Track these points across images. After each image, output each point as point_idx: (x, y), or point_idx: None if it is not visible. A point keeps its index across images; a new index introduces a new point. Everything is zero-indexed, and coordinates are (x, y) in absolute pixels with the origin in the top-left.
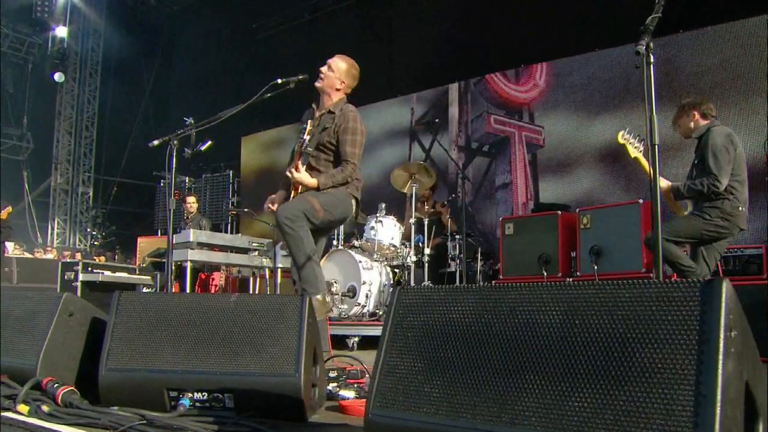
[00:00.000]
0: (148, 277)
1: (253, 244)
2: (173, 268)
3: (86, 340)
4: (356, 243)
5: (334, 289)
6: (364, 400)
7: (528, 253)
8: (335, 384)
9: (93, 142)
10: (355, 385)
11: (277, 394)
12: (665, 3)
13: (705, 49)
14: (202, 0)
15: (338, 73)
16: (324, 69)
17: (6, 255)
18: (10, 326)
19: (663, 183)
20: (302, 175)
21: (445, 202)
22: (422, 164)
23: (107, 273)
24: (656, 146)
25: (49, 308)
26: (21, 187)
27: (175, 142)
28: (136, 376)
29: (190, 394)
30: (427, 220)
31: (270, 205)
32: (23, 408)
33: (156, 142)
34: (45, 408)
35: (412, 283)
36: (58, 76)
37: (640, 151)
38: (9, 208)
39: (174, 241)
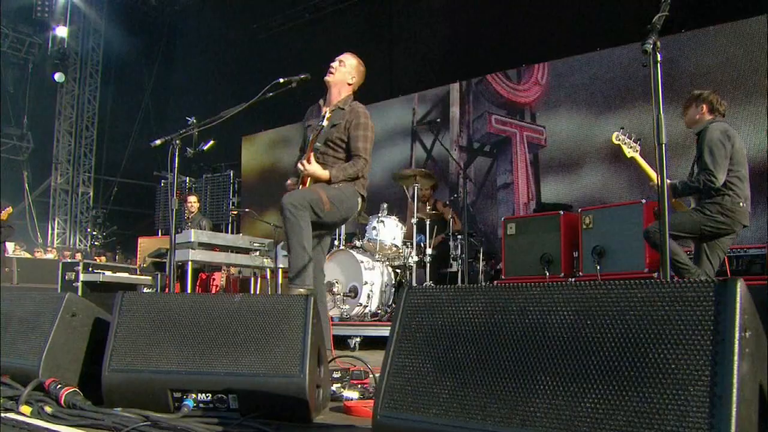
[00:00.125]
0: (149, 278)
1: (255, 245)
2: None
3: (89, 340)
4: (358, 243)
5: (335, 290)
6: (369, 400)
7: (530, 253)
8: (339, 385)
9: (93, 142)
10: (359, 386)
11: (282, 395)
12: (670, 2)
13: (707, 49)
14: (202, 0)
15: (349, 68)
16: (335, 64)
17: (6, 255)
18: (13, 327)
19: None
20: (314, 167)
21: (447, 202)
22: (422, 170)
23: (108, 273)
24: (663, 145)
25: (51, 308)
26: (21, 187)
27: (178, 141)
28: (139, 376)
29: (193, 395)
30: (428, 220)
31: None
32: (26, 409)
33: (158, 142)
34: (48, 409)
35: (414, 284)
36: (58, 76)
37: (637, 151)
38: (9, 209)
39: (175, 241)
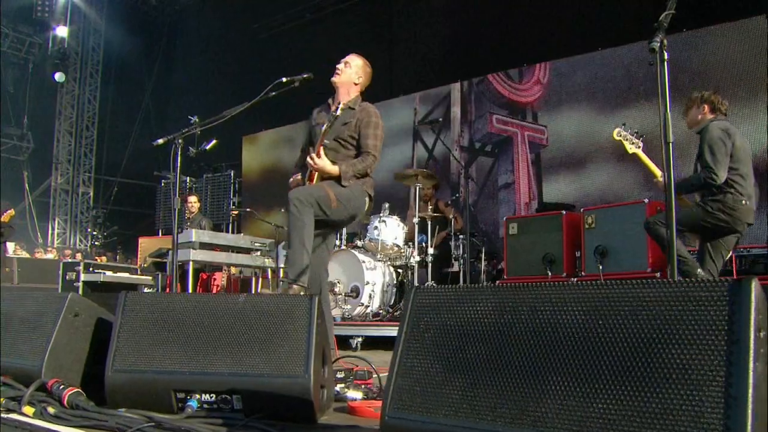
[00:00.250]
0: (150, 278)
1: (256, 244)
2: (172, 268)
3: (91, 340)
4: (359, 243)
5: (337, 289)
6: (374, 401)
7: (532, 253)
8: (342, 385)
9: (93, 142)
10: (363, 386)
11: (287, 396)
12: (678, 3)
13: (708, 49)
14: (203, 0)
15: (355, 68)
16: (341, 66)
17: (6, 255)
18: (15, 327)
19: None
20: (324, 162)
21: (449, 202)
22: (423, 171)
23: (108, 273)
24: (671, 144)
25: (54, 308)
26: (21, 187)
27: (180, 140)
28: (142, 377)
29: (197, 396)
30: (430, 219)
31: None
32: (29, 410)
33: (161, 141)
34: (51, 410)
35: (416, 283)
36: (58, 76)
37: (639, 147)
38: (11, 211)
39: (178, 241)
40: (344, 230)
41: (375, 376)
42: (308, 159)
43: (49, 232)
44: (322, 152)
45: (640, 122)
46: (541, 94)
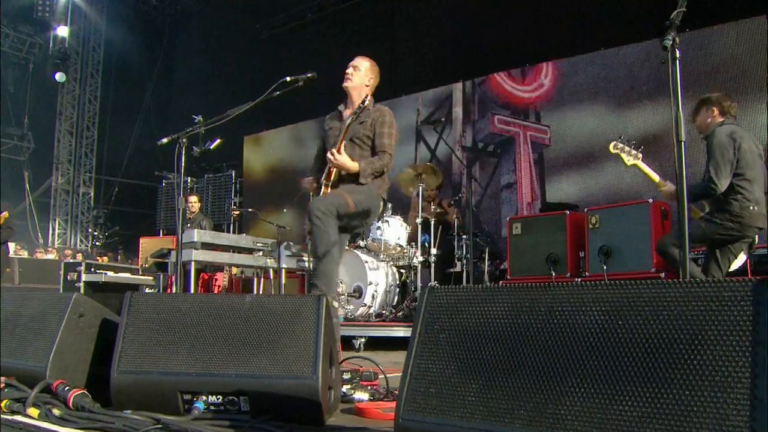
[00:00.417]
0: (151, 278)
1: (258, 245)
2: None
3: (96, 341)
4: (362, 243)
5: (340, 290)
6: (381, 402)
7: (536, 253)
8: (348, 386)
9: (94, 142)
10: (369, 387)
11: (294, 397)
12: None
13: (710, 49)
14: (204, 0)
15: (364, 71)
16: (350, 71)
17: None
18: (18, 327)
19: (668, 186)
20: (344, 158)
21: (452, 202)
22: (429, 165)
23: (110, 273)
24: (683, 143)
25: (58, 309)
26: (22, 187)
27: (184, 140)
28: (148, 378)
29: (204, 397)
30: (433, 220)
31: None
32: (33, 411)
33: (165, 140)
34: (56, 411)
35: (419, 284)
36: (59, 76)
37: (638, 158)
38: (5, 213)
39: (182, 241)
40: None
41: (384, 377)
42: (328, 155)
43: (50, 232)
44: (342, 149)
45: (642, 122)
46: (544, 94)
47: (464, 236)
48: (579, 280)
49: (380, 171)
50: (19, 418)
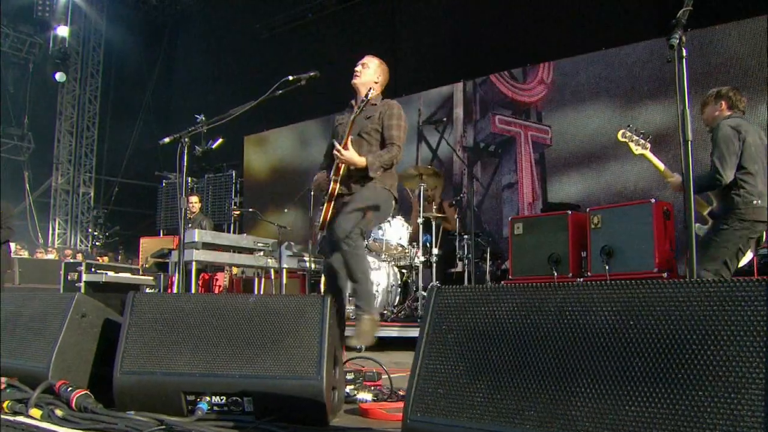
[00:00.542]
0: (152, 278)
1: (259, 245)
2: (178, 268)
3: (99, 341)
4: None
5: None
6: (385, 402)
7: (538, 253)
8: (352, 386)
9: (94, 142)
10: (372, 388)
11: (299, 398)
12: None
13: (711, 48)
14: (204, 0)
15: (373, 68)
16: (358, 68)
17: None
18: (20, 328)
19: (675, 178)
20: (351, 153)
21: (453, 202)
22: (430, 168)
23: (110, 274)
24: (690, 142)
25: (60, 309)
26: (22, 187)
27: (187, 139)
28: (152, 379)
29: (207, 398)
30: (434, 220)
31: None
32: (36, 412)
33: (167, 140)
34: (59, 412)
35: (421, 284)
36: (59, 76)
37: (646, 148)
38: None
39: (184, 240)
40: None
41: (388, 377)
42: (335, 151)
43: (50, 232)
44: (349, 143)
45: (643, 122)
46: (545, 94)
47: (465, 236)
48: (581, 280)
49: (389, 163)
50: (21, 419)
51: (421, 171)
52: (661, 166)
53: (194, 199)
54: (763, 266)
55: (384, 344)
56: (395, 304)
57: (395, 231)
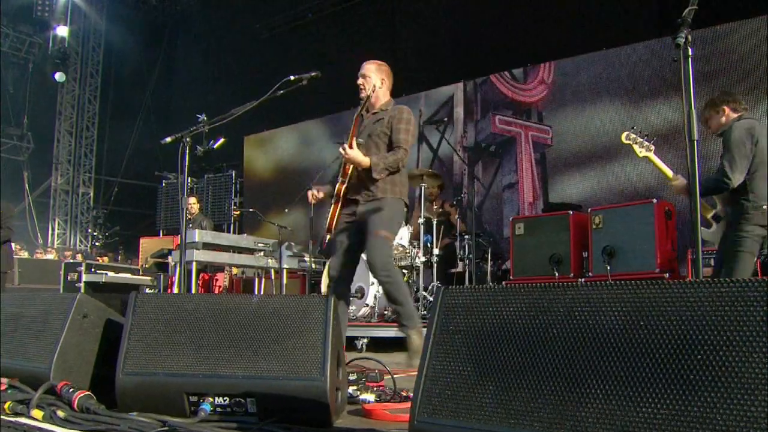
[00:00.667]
0: (152, 278)
1: (259, 245)
2: (177, 269)
3: (100, 342)
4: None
5: None
6: (388, 404)
7: (539, 254)
8: (355, 387)
9: (94, 142)
10: (375, 388)
11: (302, 399)
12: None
13: (712, 48)
14: (204, 0)
15: (373, 76)
16: (360, 80)
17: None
18: (22, 328)
19: (680, 180)
20: (355, 152)
21: (454, 202)
22: (430, 171)
23: (110, 274)
24: (696, 141)
25: (62, 309)
26: (21, 187)
27: (188, 139)
28: (154, 379)
29: (210, 399)
30: (435, 220)
31: (315, 193)
32: (37, 413)
33: (168, 139)
34: (60, 413)
35: (422, 284)
36: (58, 76)
37: (651, 150)
38: None
39: (186, 240)
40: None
41: (388, 377)
42: (340, 149)
43: (49, 232)
44: (354, 143)
45: (644, 122)
46: (546, 94)
47: (467, 236)
48: (582, 280)
49: (394, 165)
50: (22, 420)
51: (421, 172)
52: (665, 168)
53: (192, 200)
54: (765, 266)
55: (384, 345)
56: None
57: None
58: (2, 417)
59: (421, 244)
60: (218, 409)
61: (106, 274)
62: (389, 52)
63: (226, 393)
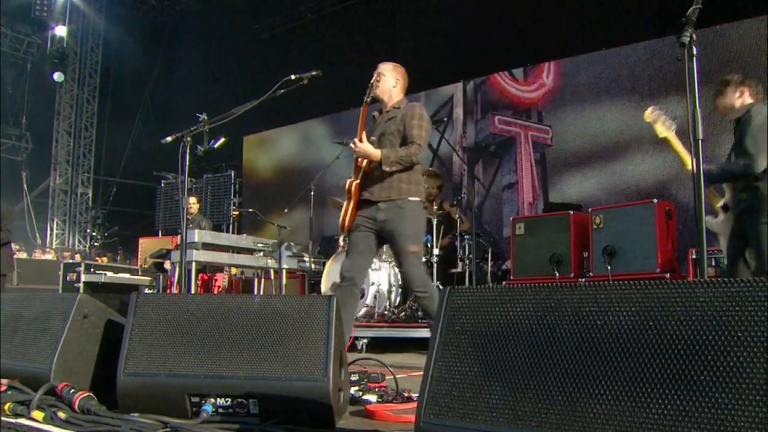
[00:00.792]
0: (151, 278)
1: (258, 245)
2: (176, 269)
3: (101, 342)
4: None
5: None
6: (391, 404)
7: (539, 254)
8: (356, 388)
9: (92, 142)
10: (377, 389)
11: (305, 400)
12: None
13: (712, 49)
14: (203, 0)
15: (388, 75)
16: (375, 78)
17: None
18: (22, 329)
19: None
20: (365, 145)
21: (454, 202)
22: (431, 169)
23: (109, 274)
24: (701, 141)
25: (62, 310)
26: (20, 187)
27: (189, 138)
28: (156, 380)
29: (212, 400)
30: (435, 220)
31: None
32: (38, 414)
33: (169, 139)
34: (61, 414)
35: None
36: (57, 76)
37: (672, 130)
38: None
39: (179, 242)
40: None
41: (390, 378)
42: (351, 144)
43: (48, 232)
44: (363, 137)
45: (643, 121)
46: (546, 94)
47: (467, 236)
48: (583, 280)
49: (406, 159)
50: (23, 421)
51: (422, 172)
52: (683, 152)
53: (192, 200)
54: None
55: (384, 345)
56: (396, 305)
57: None
58: (2, 418)
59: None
60: (220, 410)
61: (105, 274)
62: (389, 52)
63: (228, 394)
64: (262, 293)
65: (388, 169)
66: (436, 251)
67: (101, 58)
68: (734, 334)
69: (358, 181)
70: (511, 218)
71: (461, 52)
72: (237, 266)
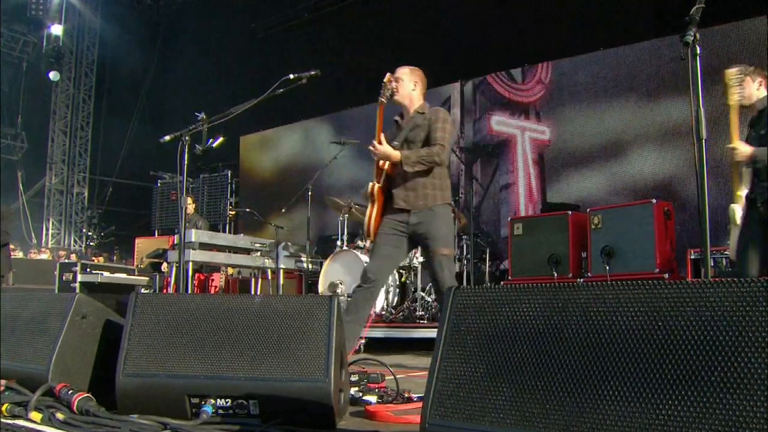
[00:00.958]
0: (147, 278)
1: (255, 245)
2: (173, 269)
3: (99, 343)
4: (362, 243)
5: (339, 290)
6: (391, 405)
7: (537, 254)
8: (356, 388)
9: (88, 141)
10: (377, 390)
11: (305, 400)
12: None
13: (712, 49)
14: None
15: (406, 79)
16: (393, 84)
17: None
18: (19, 329)
19: (744, 148)
20: (385, 147)
21: (452, 202)
22: None
23: (106, 274)
24: (704, 141)
25: (60, 310)
26: (15, 187)
27: (187, 137)
28: (155, 381)
29: (212, 401)
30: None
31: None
32: (36, 416)
33: (167, 138)
34: (59, 416)
35: (419, 284)
36: (53, 75)
37: (738, 100)
38: None
39: (176, 242)
40: (346, 230)
41: (390, 378)
42: (369, 147)
43: (44, 232)
44: (383, 138)
45: (643, 121)
46: (543, 94)
47: (465, 237)
48: (581, 280)
49: (428, 159)
50: (20, 422)
51: None
52: (736, 127)
53: (189, 199)
54: None
55: (384, 346)
56: (394, 305)
57: None
58: (0, 420)
59: None
60: (220, 411)
61: (102, 274)
62: (386, 52)
63: (228, 395)
64: (259, 293)
65: (410, 169)
66: None
67: (97, 57)
68: (745, 334)
69: (380, 184)
70: (509, 218)
71: (459, 52)
72: (234, 266)
